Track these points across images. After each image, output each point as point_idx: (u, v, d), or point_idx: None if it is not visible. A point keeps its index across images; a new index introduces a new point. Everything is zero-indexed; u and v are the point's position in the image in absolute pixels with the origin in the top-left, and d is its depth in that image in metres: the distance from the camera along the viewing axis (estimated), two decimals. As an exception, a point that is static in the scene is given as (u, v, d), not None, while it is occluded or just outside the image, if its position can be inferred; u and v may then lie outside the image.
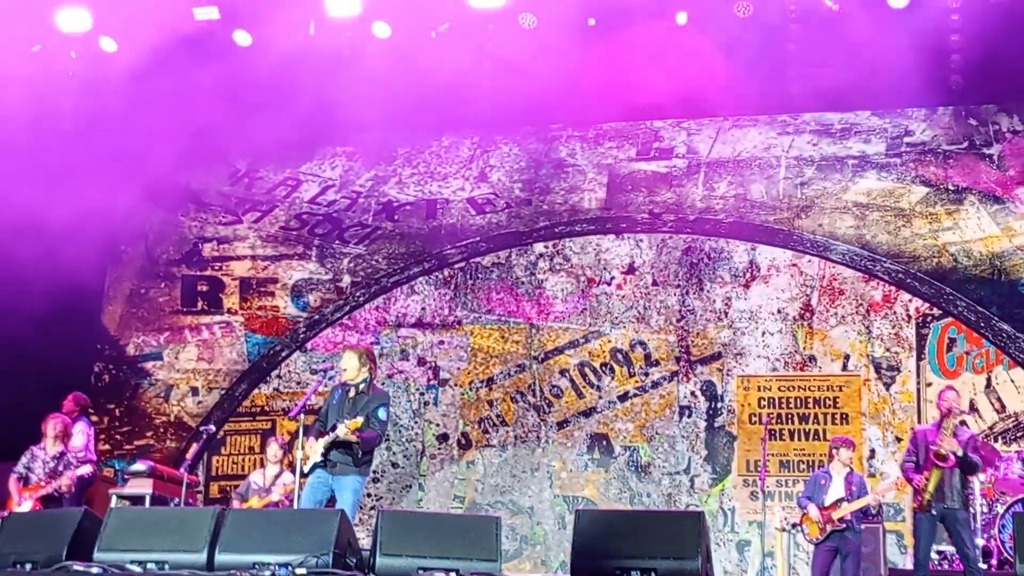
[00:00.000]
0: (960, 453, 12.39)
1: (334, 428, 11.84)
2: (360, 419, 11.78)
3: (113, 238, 19.36)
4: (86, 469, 14.36)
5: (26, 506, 13.89)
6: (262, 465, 15.66)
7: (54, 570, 10.23)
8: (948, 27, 16.33)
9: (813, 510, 13.39)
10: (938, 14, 16.17)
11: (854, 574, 13.20)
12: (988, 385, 16.69)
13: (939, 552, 14.11)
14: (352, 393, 12.19)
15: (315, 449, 11.92)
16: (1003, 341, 16.74)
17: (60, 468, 14.12)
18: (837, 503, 13.28)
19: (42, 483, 14.05)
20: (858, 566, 13.33)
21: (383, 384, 17.62)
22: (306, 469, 12.05)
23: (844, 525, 13.20)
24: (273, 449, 15.22)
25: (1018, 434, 16.38)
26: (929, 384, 16.65)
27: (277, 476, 14.91)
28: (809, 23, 16.30)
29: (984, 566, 13.31)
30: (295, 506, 12.05)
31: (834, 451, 13.76)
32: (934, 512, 12.53)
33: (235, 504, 14.84)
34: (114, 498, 15.19)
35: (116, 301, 19.50)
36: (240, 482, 16.10)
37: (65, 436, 14.37)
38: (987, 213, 17.17)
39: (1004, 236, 17.06)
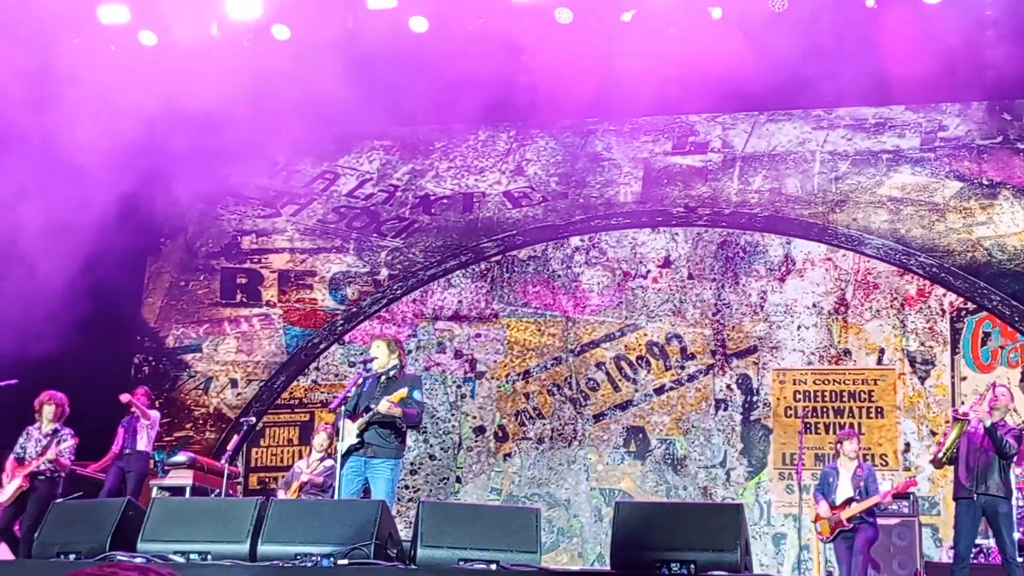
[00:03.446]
0: (988, 424, 12.37)
1: (368, 409, 11.93)
2: (404, 390, 11.87)
3: (153, 231, 19.53)
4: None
5: (15, 483, 14.02)
6: (307, 454, 15.84)
7: (98, 560, 10.37)
8: (982, 21, 16.33)
9: (824, 508, 13.42)
10: (972, 9, 16.17)
11: (862, 564, 13.20)
12: (1023, 379, 16.71)
13: (975, 546, 14.11)
14: (383, 380, 12.28)
15: (351, 430, 12.00)
16: (1038, 335, 16.78)
17: (51, 446, 14.14)
18: (847, 503, 13.31)
19: (31, 461, 14.10)
20: (866, 557, 13.32)
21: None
22: (341, 450, 12.15)
23: (851, 525, 13.23)
24: (320, 438, 15.40)
25: (1053, 428, 16.40)
26: (964, 378, 16.67)
27: (320, 462, 15.07)
28: (844, 18, 16.32)
29: (1022, 559, 13.30)
30: (334, 489, 12.13)
31: (838, 446, 13.80)
32: (975, 499, 12.44)
33: (280, 493, 15.01)
34: (155, 489, 15.35)
35: (156, 293, 19.63)
36: (282, 473, 16.28)
37: (61, 415, 14.38)
38: (1021, 207, 17.17)
39: (1038, 231, 17.10)
